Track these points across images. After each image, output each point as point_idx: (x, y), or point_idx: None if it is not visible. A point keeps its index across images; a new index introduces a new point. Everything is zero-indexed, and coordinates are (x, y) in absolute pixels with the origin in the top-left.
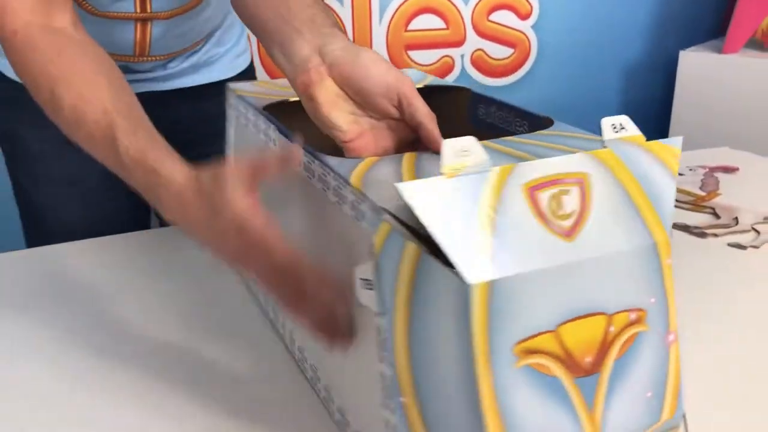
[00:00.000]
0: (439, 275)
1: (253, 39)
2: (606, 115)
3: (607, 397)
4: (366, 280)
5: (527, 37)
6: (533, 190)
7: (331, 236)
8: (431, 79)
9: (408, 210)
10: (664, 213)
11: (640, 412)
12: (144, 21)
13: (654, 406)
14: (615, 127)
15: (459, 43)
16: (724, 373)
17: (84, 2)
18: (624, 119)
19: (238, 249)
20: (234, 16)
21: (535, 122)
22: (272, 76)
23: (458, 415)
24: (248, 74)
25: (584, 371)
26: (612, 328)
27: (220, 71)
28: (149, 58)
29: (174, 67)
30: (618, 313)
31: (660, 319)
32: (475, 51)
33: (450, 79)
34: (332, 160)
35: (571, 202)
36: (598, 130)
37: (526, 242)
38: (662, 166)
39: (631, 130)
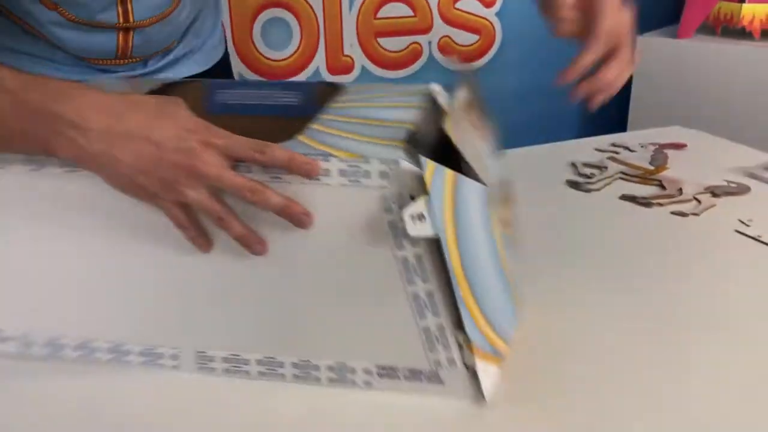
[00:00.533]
0: (471, 188)
1: (227, 26)
2: (568, 100)
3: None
4: (419, 215)
5: (492, 24)
6: (468, 114)
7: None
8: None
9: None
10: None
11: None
12: (126, 29)
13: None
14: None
15: (426, 30)
16: (660, 321)
17: (66, 12)
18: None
19: (188, 149)
20: (208, 5)
21: (306, 89)
22: (247, 62)
23: (495, 283)
24: (224, 63)
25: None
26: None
27: (198, 64)
28: (130, 60)
29: (153, 65)
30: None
31: None
32: (442, 38)
33: (418, 66)
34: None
35: (476, 120)
36: (559, 115)
37: (479, 149)
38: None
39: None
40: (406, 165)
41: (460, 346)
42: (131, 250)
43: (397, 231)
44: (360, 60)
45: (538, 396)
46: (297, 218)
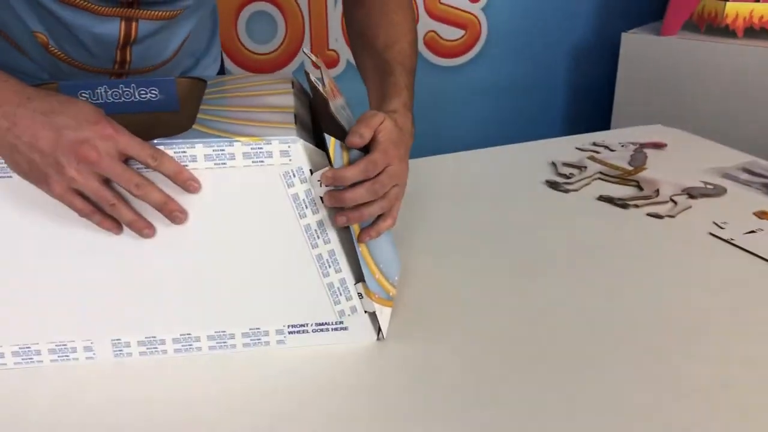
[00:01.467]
0: (358, 154)
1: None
2: (554, 95)
3: None
4: (321, 179)
5: (478, 19)
6: (333, 92)
7: (207, 208)
8: None
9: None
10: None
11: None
12: (119, 74)
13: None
14: (310, 56)
15: None
16: (635, 322)
17: (60, 53)
18: (307, 50)
19: (84, 138)
20: (201, 30)
21: (165, 85)
22: (231, 56)
23: (384, 237)
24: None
25: None
26: None
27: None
28: (126, 75)
29: None
30: None
31: None
32: (428, 32)
33: None
34: (170, 140)
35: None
36: (547, 109)
37: (345, 113)
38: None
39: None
40: (304, 143)
41: (360, 295)
42: (37, 249)
43: (299, 202)
44: (345, 54)
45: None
46: (172, 215)
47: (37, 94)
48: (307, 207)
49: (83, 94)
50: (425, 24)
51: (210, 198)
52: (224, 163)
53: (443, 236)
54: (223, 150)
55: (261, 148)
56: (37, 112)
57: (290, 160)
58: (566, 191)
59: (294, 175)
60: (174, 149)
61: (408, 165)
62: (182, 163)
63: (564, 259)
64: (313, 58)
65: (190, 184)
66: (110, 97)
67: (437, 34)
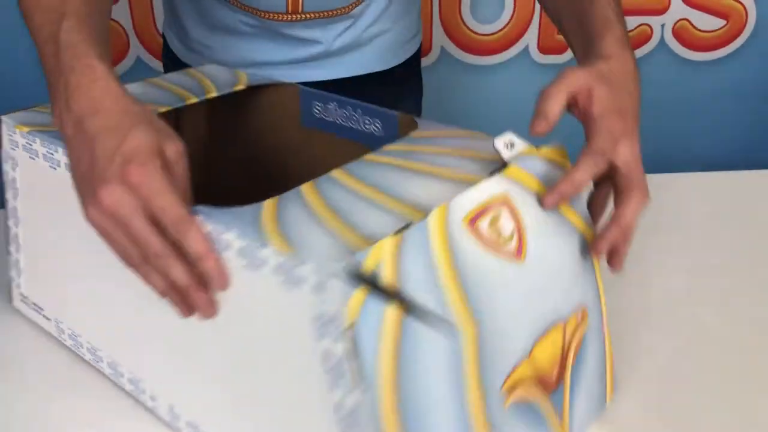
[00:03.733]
0: (426, 334)
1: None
2: None
3: (570, 403)
4: (345, 352)
5: (744, 7)
6: (472, 222)
7: (234, 307)
8: (250, 80)
9: (360, 271)
10: (582, 210)
11: (593, 404)
12: None
13: (601, 395)
14: (507, 146)
15: (661, 11)
16: None
17: None
18: (510, 137)
19: (145, 153)
20: None
21: (388, 121)
22: (452, 36)
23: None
24: (414, 63)
25: (553, 386)
26: (567, 335)
27: (384, 58)
28: (303, 16)
29: (333, 40)
30: (569, 317)
31: (596, 312)
32: (679, 21)
33: (646, 50)
34: (224, 213)
35: (506, 224)
36: None
37: (488, 278)
38: (559, 167)
39: (521, 145)
40: (347, 280)
41: None
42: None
43: (331, 365)
44: None
45: None
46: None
47: (100, 109)
48: (342, 377)
49: (317, 106)
50: (677, 10)
51: (234, 304)
52: (257, 268)
53: (687, 279)
54: (254, 251)
55: (294, 267)
56: (86, 132)
57: (323, 301)
58: None
59: (327, 326)
60: (211, 225)
61: (638, 137)
62: (218, 248)
63: None
64: (506, 155)
65: (216, 279)
66: (339, 118)
67: (690, 23)
